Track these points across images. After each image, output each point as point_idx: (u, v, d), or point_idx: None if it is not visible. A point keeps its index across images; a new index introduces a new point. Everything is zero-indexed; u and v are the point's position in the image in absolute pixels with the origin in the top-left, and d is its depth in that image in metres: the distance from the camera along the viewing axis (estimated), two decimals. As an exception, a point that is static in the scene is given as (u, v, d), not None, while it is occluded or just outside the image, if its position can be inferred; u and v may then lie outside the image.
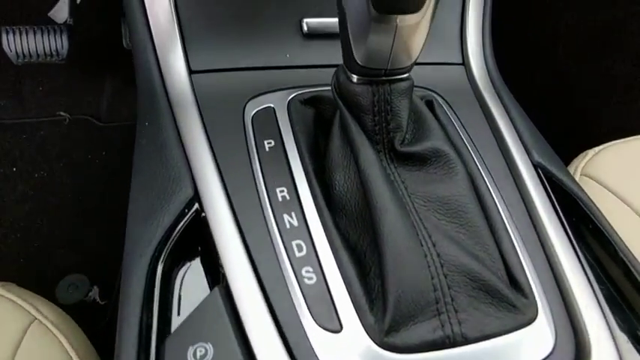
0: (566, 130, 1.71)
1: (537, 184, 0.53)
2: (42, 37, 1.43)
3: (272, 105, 0.57)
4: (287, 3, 0.63)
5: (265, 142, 0.53)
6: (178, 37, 0.60)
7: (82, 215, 1.45)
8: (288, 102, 0.57)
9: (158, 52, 0.60)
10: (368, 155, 0.46)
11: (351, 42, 0.45)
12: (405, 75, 0.49)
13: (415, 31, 0.44)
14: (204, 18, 0.61)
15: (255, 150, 0.52)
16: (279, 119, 0.56)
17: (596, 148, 0.80)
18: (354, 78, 0.48)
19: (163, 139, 0.52)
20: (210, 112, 0.56)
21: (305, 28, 0.63)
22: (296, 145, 0.53)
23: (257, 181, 0.49)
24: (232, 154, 0.52)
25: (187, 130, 0.53)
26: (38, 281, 1.35)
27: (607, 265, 0.49)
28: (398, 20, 0.42)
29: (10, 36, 1.39)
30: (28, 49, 1.42)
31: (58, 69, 1.59)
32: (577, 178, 0.74)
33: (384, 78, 0.48)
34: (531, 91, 1.78)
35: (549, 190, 0.53)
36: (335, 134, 0.51)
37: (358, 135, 0.48)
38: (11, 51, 1.40)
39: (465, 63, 0.69)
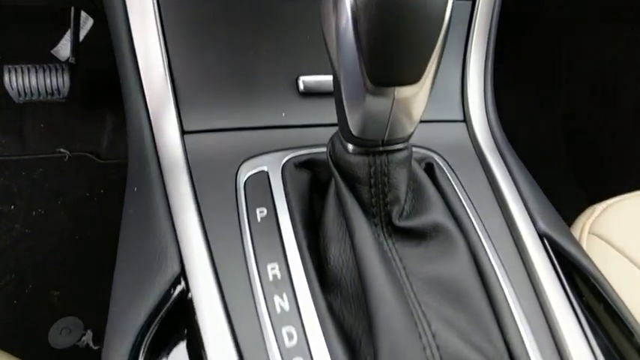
0: (574, 178, 1.70)
1: (544, 259, 0.51)
2: (44, 75, 1.43)
3: (266, 169, 0.55)
4: (283, 61, 0.62)
5: (257, 211, 0.51)
6: (172, 97, 0.59)
7: (78, 256, 1.42)
8: (283, 165, 0.55)
9: (151, 112, 0.59)
10: (364, 233, 0.44)
11: (346, 112, 0.43)
12: (404, 145, 0.47)
13: (414, 101, 0.42)
14: (198, 77, 0.60)
15: (246, 220, 0.50)
16: (272, 185, 0.53)
17: (604, 204, 0.77)
18: (350, 147, 0.46)
19: (151, 209, 0.50)
20: (202, 177, 0.54)
21: (301, 86, 0.62)
22: (289, 214, 0.50)
23: (247, 257, 0.47)
24: (222, 224, 0.50)
25: (177, 199, 0.51)
26: (32, 323, 1.32)
27: (622, 349, 0.46)
28: (396, 92, 0.41)
29: (12, 75, 1.39)
30: (30, 87, 1.42)
31: (59, 105, 1.59)
32: (585, 237, 0.71)
33: (380, 148, 0.46)
34: (535, 138, 1.77)
35: (557, 267, 0.50)
36: (330, 204, 0.49)
37: (354, 210, 0.46)
38: (13, 89, 1.41)
39: (466, 120, 0.67)
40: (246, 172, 0.55)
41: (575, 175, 1.72)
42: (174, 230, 0.48)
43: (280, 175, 0.54)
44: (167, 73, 0.59)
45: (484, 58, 0.69)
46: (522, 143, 1.77)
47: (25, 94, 1.45)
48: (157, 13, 0.58)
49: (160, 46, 0.59)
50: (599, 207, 0.76)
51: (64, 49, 1.65)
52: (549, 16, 1.52)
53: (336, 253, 0.47)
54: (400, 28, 0.37)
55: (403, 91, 0.41)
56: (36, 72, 1.45)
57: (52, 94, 1.46)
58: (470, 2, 0.67)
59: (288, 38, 0.61)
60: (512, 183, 0.60)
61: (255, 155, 0.57)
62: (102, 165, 1.58)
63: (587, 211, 0.77)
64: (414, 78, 0.40)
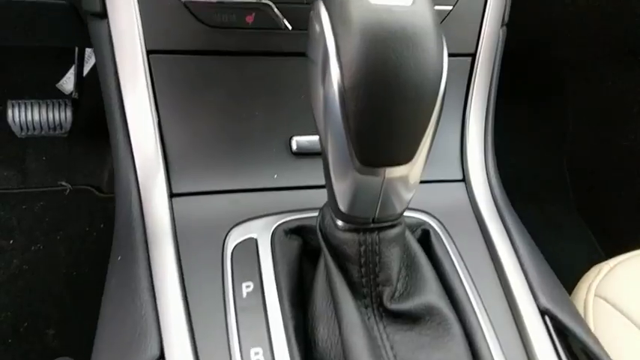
0: (580, 216, 1.66)
1: (546, 340, 0.48)
2: (46, 111, 1.43)
3: (255, 236, 0.53)
4: (276, 121, 0.60)
5: (244, 285, 0.49)
6: (161, 159, 0.58)
7: (75, 294, 1.41)
8: (273, 232, 0.53)
9: (139, 174, 0.57)
10: (352, 320, 0.41)
11: (334, 190, 0.41)
12: (396, 220, 0.45)
13: (406, 180, 0.40)
14: (189, 138, 0.59)
15: (231, 296, 0.48)
16: (260, 255, 0.51)
17: (611, 262, 0.74)
18: (339, 224, 0.44)
19: (134, 283, 0.48)
20: (189, 245, 0.52)
21: (294, 146, 0.60)
22: (277, 289, 0.48)
23: (231, 340, 0.45)
24: (207, 300, 0.47)
25: (161, 272, 0.49)
26: (25, 363, 1.30)
27: None
28: (386, 172, 0.39)
29: (16, 110, 1.40)
30: (32, 123, 1.42)
31: (62, 139, 1.59)
32: (590, 300, 0.68)
33: (371, 225, 0.43)
34: (540, 173, 1.75)
35: (559, 349, 0.47)
36: (319, 280, 0.47)
37: (342, 291, 0.43)
38: (15, 124, 1.41)
39: (465, 179, 0.65)
40: (234, 240, 0.53)
41: (581, 214, 1.69)
42: (156, 309, 0.46)
43: (270, 243, 0.52)
44: (157, 133, 0.58)
45: (484, 115, 0.67)
46: (526, 179, 1.75)
47: (28, 129, 1.46)
48: (148, 75, 0.57)
49: (150, 106, 0.58)
50: (606, 266, 0.73)
51: (68, 82, 1.66)
52: (553, 54, 1.51)
53: (324, 334, 0.44)
54: (390, 110, 0.36)
55: (394, 171, 0.39)
56: (39, 107, 1.46)
57: (55, 129, 1.47)
58: (469, 58, 0.65)
59: (281, 98, 0.60)
60: (512, 251, 0.57)
61: (245, 221, 0.55)
62: (102, 199, 1.57)
63: (593, 270, 0.74)
64: (405, 158, 0.39)
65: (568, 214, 1.73)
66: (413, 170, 0.40)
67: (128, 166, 0.58)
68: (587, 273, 0.75)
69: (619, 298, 0.68)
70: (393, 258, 0.44)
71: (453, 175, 0.65)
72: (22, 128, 1.43)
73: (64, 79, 1.64)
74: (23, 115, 1.42)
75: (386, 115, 0.36)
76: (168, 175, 0.58)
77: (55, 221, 1.51)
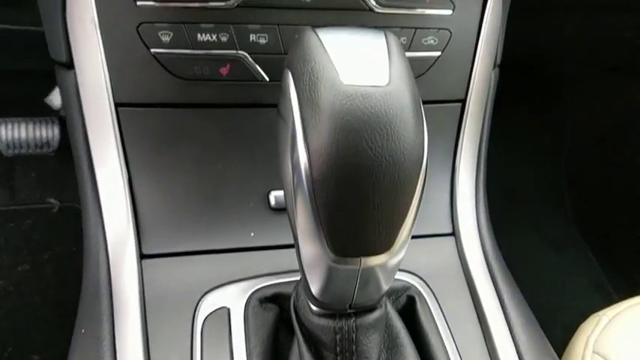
0: (577, 231, 1.63)
1: None
2: (33, 129, 1.40)
3: (227, 306, 0.50)
4: (253, 174, 0.57)
5: None
6: (131, 216, 0.54)
7: (61, 317, 1.38)
8: (247, 301, 0.50)
9: (108, 233, 0.54)
10: None
11: (307, 276, 0.38)
12: (376, 304, 0.41)
13: (385, 267, 0.37)
14: (161, 193, 0.56)
15: None
16: (233, 329, 0.48)
17: (610, 312, 0.71)
18: (314, 308, 0.41)
19: None
20: (157, 317, 0.49)
21: (272, 201, 0.57)
22: None
23: None
24: None
25: (125, 351, 0.46)
26: (10, 388, 1.27)
27: None
28: (362, 261, 0.36)
29: (2, 128, 1.37)
30: (20, 141, 1.39)
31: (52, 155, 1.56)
32: (588, 357, 0.65)
33: (349, 311, 0.40)
34: (538, 188, 1.72)
35: None
36: None
37: None
38: (2, 143, 1.38)
39: (455, 233, 0.62)
40: (205, 310, 0.50)
41: (580, 230, 1.66)
42: None
43: (243, 315, 0.49)
44: (127, 190, 0.55)
45: (475, 162, 0.63)
46: (523, 193, 1.72)
47: (15, 147, 1.42)
48: (117, 129, 0.54)
49: (119, 161, 0.54)
50: (605, 317, 0.70)
51: (57, 96, 1.62)
52: (551, 69, 1.48)
53: None
54: (365, 203, 0.33)
55: (371, 260, 0.36)
56: (26, 125, 1.43)
57: (42, 147, 1.43)
58: (459, 104, 0.62)
59: (259, 150, 0.57)
60: (502, 315, 0.54)
61: (218, 286, 0.52)
62: (91, 217, 1.54)
63: (591, 321, 0.71)
64: (382, 248, 0.35)
65: (566, 231, 1.70)
66: (392, 258, 0.36)
67: (96, 224, 0.55)
68: (585, 323, 0.72)
69: (618, 356, 0.64)
70: (371, 345, 0.41)
71: (442, 228, 0.62)
72: (8, 146, 1.40)
73: (53, 93, 1.61)
74: (10, 134, 1.39)
75: (360, 207, 0.33)
76: (139, 234, 0.54)
77: (42, 240, 1.48)
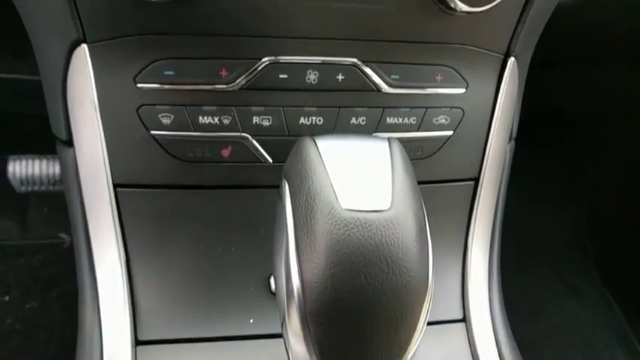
0: (598, 277, 1.58)
1: None
2: (47, 166, 1.41)
3: None
4: (253, 257, 0.55)
5: None
6: (127, 299, 0.53)
7: (66, 356, 1.36)
8: None
9: (103, 314, 0.52)
10: None
11: None
12: None
13: None
14: (159, 277, 0.54)
15: None
16: None
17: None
18: None
19: None
20: None
21: (273, 286, 0.55)
22: None
23: None
24: None
25: None
26: None
27: None
28: None
29: (17, 165, 1.38)
30: (32, 178, 1.40)
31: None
32: None
33: None
34: (558, 232, 1.67)
35: None
36: None
37: None
38: (15, 179, 1.39)
39: (466, 319, 0.58)
40: None
41: (602, 278, 1.60)
42: None
43: None
44: (124, 272, 0.53)
45: (489, 241, 0.60)
46: (540, 237, 1.67)
47: (28, 183, 1.43)
48: (116, 209, 0.52)
49: (117, 242, 0.53)
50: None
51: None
52: (569, 115, 1.44)
53: None
54: (362, 338, 0.30)
55: None
56: (39, 163, 1.44)
57: (54, 184, 1.44)
58: (472, 183, 0.59)
59: (260, 232, 0.55)
60: None
61: None
62: (100, 253, 1.54)
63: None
64: None
65: (587, 277, 1.64)
66: None
67: (92, 306, 0.53)
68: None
69: None
70: None
71: (452, 314, 0.58)
72: (22, 183, 1.41)
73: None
74: (24, 171, 1.40)
75: (357, 344, 0.30)
76: (135, 318, 0.52)
77: (51, 276, 1.47)
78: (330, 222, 0.30)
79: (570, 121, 1.54)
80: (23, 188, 1.42)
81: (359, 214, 0.31)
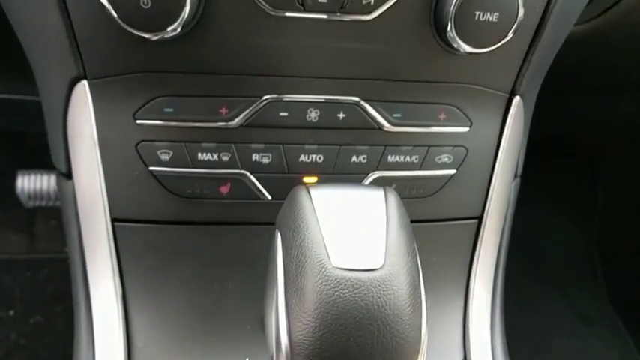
0: (609, 303, 1.54)
1: None
2: (56, 182, 1.42)
3: None
4: (251, 295, 0.54)
5: None
6: (123, 334, 0.52)
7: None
8: None
9: (97, 350, 0.52)
10: None
11: None
12: None
13: None
14: (155, 312, 0.53)
15: None
16: None
17: None
18: None
19: None
20: None
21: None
22: None
23: None
24: None
25: None
26: None
27: None
28: None
29: (25, 181, 1.39)
30: (40, 193, 1.41)
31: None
32: None
33: None
34: (567, 257, 1.64)
35: None
36: None
37: None
38: (24, 194, 1.40)
39: None
40: None
41: (612, 303, 1.57)
42: None
43: None
44: (120, 307, 0.52)
45: (492, 281, 0.59)
46: (550, 260, 1.64)
47: (36, 198, 1.44)
48: (113, 244, 0.52)
49: (113, 277, 0.52)
50: None
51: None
52: (580, 139, 1.42)
53: None
54: None
55: None
56: (48, 178, 1.45)
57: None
58: (475, 221, 0.58)
59: (257, 269, 0.54)
60: None
61: None
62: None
63: None
64: None
65: (596, 303, 1.60)
66: None
67: (87, 340, 0.53)
68: None
69: None
70: None
71: (452, 356, 0.57)
72: (29, 198, 1.42)
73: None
74: (32, 186, 1.41)
75: None
76: (130, 355, 0.52)
77: (56, 291, 1.48)
78: (320, 281, 0.29)
79: (581, 144, 1.52)
80: (31, 203, 1.43)
81: (350, 274, 0.30)
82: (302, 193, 0.35)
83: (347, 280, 0.30)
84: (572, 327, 1.56)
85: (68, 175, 0.53)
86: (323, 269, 0.30)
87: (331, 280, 0.29)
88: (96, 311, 0.53)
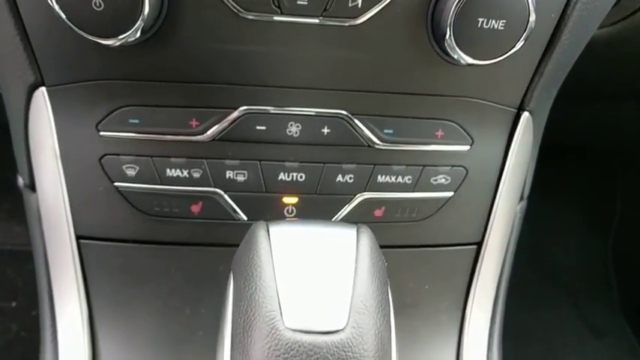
0: (622, 316, 1.48)
1: None
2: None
3: None
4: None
5: None
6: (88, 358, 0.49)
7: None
8: None
9: None
10: None
11: None
12: None
13: None
14: (123, 336, 0.50)
15: None
16: None
17: None
18: None
19: None
20: None
21: None
22: None
23: None
24: None
25: None
26: None
27: None
28: None
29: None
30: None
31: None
32: None
33: None
34: (582, 266, 1.57)
35: None
36: None
37: None
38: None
39: None
40: None
41: (626, 317, 1.50)
42: None
43: None
44: (86, 329, 0.49)
45: (490, 314, 0.54)
46: (563, 270, 1.57)
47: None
48: (79, 262, 0.49)
49: (79, 297, 0.49)
50: None
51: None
52: (600, 147, 1.35)
53: None
54: None
55: None
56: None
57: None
58: (474, 247, 0.53)
59: None
60: None
61: None
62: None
63: None
64: None
65: (610, 317, 1.53)
66: None
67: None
68: None
69: None
70: None
71: None
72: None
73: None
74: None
75: None
76: None
77: (58, 284, 1.47)
78: (268, 345, 0.25)
79: (601, 151, 1.44)
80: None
81: (304, 337, 0.25)
82: (260, 232, 0.30)
83: (299, 346, 0.25)
84: (582, 339, 1.50)
85: (32, 187, 0.49)
86: (273, 331, 0.25)
87: (281, 344, 0.25)
88: (61, 335, 0.49)
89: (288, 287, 0.27)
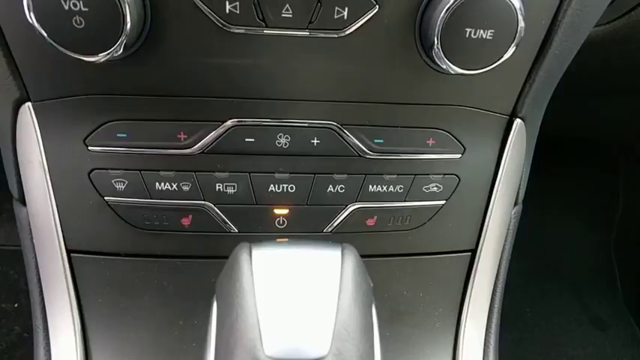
0: (626, 311, 1.47)
1: None
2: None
3: None
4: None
5: None
6: None
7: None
8: None
9: None
10: None
11: None
12: None
13: None
14: (116, 351, 0.50)
15: None
16: None
17: None
18: None
19: None
20: None
21: None
22: None
23: None
24: None
25: None
26: None
27: None
28: None
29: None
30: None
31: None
32: None
33: None
34: (586, 260, 1.56)
35: None
36: None
37: None
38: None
39: None
40: None
41: (630, 310, 1.50)
42: None
43: None
44: (79, 344, 0.49)
45: (484, 323, 0.53)
46: (566, 263, 1.57)
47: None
48: (70, 276, 0.48)
49: (71, 311, 0.49)
50: None
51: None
52: (603, 142, 1.34)
53: None
54: None
55: None
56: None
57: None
58: (468, 255, 0.52)
59: None
60: None
61: None
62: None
63: None
64: None
65: (613, 309, 1.53)
66: None
67: None
68: None
69: None
70: None
71: None
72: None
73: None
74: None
75: None
76: None
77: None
78: None
79: (604, 145, 1.43)
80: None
81: None
82: (242, 256, 0.30)
83: None
84: (586, 331, 1.50)
85: (22, 201, 0.49)
86: (254, 357, 0.25)
87: None
88: (54, 349, 0.49)
89: (269, 314, 0.27)
